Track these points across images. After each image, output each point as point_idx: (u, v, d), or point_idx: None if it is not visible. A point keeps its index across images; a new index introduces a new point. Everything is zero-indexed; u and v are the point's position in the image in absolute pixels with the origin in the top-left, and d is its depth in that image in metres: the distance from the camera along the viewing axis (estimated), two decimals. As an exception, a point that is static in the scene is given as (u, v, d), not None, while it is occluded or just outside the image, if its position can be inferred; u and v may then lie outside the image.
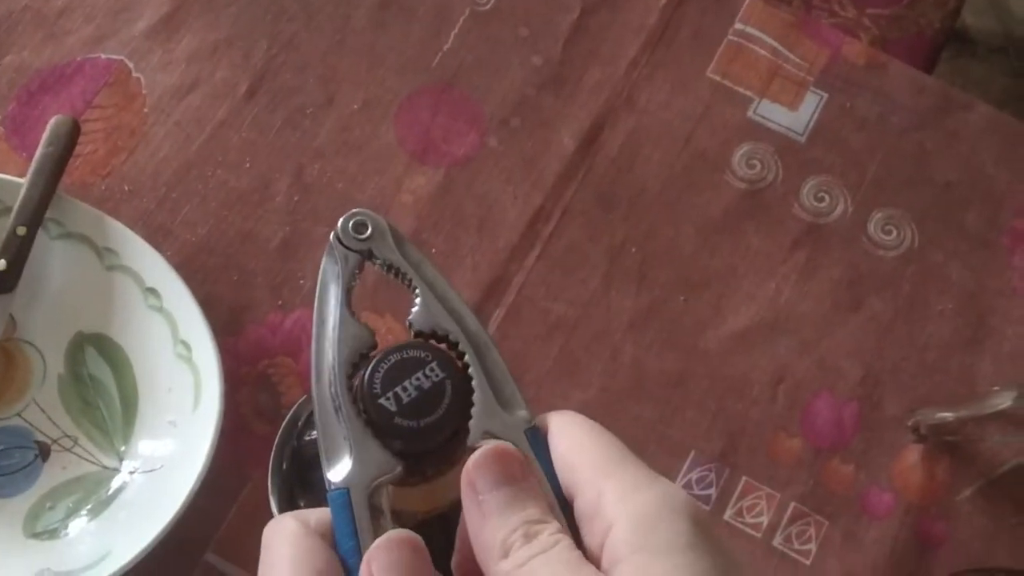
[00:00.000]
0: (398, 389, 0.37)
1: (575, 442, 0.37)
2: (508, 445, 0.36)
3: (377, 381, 0.37)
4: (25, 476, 0.63)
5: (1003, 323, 0.72)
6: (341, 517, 0.36)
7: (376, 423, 0.37)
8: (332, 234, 0.39)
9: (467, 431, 0.38)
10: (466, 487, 0.35)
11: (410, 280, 0.39)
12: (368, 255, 0.39)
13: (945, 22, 1.13)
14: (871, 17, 1.10)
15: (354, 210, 0.40)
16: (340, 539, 0.35)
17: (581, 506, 0.34)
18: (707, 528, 0.33)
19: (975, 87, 1.45)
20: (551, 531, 0.33)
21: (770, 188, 0.74)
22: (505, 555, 0.33)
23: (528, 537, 0.33)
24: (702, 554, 0.31)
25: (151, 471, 0.62)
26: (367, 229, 0.39)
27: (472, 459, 0.35)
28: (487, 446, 0.36)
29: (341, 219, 0.39)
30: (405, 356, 0.38)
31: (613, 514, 0.33)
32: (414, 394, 0.37)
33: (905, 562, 0.66)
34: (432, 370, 0.37)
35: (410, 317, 0.38)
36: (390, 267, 0.39)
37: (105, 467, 0.63)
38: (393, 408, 0.37)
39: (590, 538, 0.33)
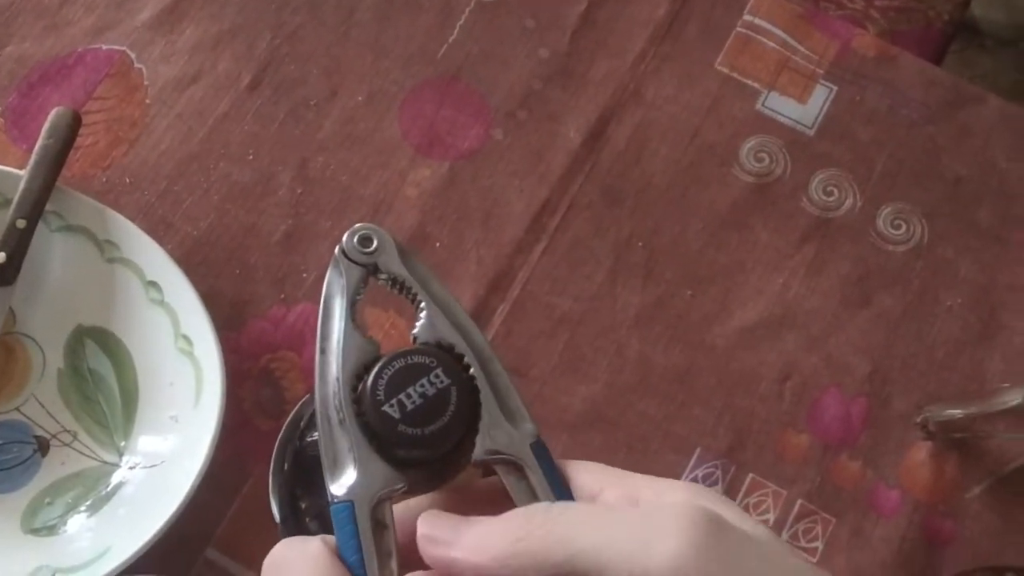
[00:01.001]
0: (402, 396, 0.36)
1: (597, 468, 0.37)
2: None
3: (381, 388, 0.36)
4: (23, 471, 0.62)
5: (1013, 319, 0.71)
6: (345, 531, 0.35)
7: (380, 432, 0.36)
8: (337, 247, 0.39)
9: (473, 442, 0.37)
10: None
11: (415, 295, 0.39)
12: (373, 269, 0.39)
13: (954, 14, 1.12)
14: (879, 9, 1.09)
15: (359, 224, 0.39)
16: (344, 553, 0.35)
17: (610, 498, 0.35)
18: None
19: (983, 80, 1.43)
20: None
21: (778, 182, 0.73)
22: None
23: None
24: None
25: (151, 467, 0.62)
26: (372, 243, 0.39)
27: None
28: None
29: (347, 233, 0.39)
30: (409, 362, 0.37)
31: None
32: (419, 401, 0.36)
33: (913, 560, 0.65)
34: (437, 376, 0.37)
35: (415, 330, 0.38)
36: (395, 281, 0.39)
37: (105, 462, 0.63)
38: (397, 415, 0.36)
39: None
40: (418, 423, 0.36)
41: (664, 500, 0.34)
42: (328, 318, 0.38)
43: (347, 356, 0.37)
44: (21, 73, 0.71)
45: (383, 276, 0.39)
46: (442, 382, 0.37)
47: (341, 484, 0.36)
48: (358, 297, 0.39)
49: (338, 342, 0.38)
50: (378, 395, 0.36)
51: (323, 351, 0.38)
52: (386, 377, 0.36)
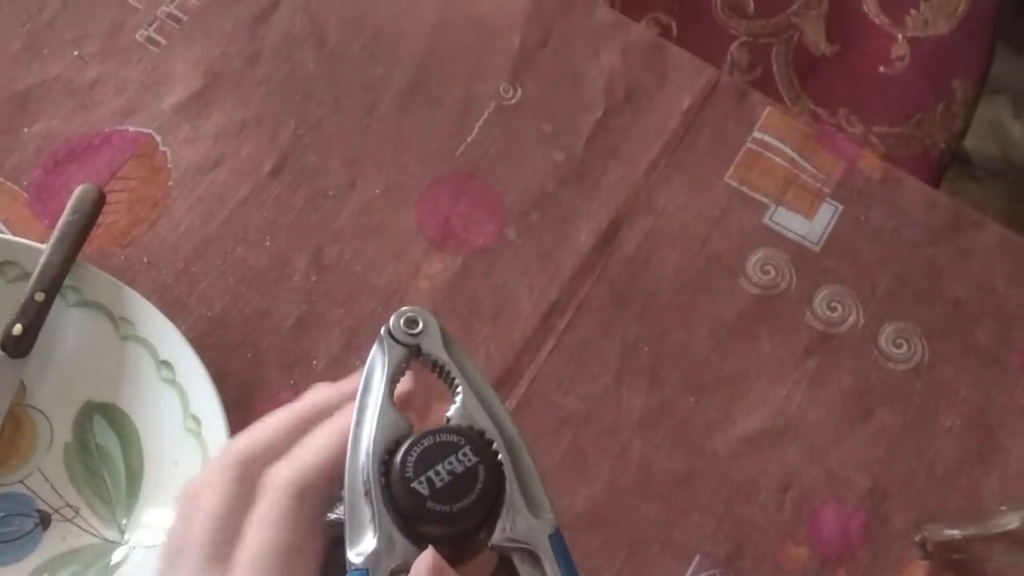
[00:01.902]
0: (431, 473, 0.37)
1: None
2: None
3: (410, 465, 0.37)
4: (23, 545, 0.62)
5: (1011, 441, 0.72)
6: None
7: (406, 507, 0.37)
8: (384, 327, 0.40)
9: (493, 526, 0.37)
10: None
11: (453, 379, 0.40)
12: (416, 351, 0.40)
13: (950, 143, 1.15)
14: (878, 135, 1.12)
15: (406, 307, 0.41)
16: None
17: None
18: None
19: (973, 209, 1.47)
20: None
21: (783, 295, 0.74)
22: None
23: None
24: None
25: (152, 547, 0.61)
26: (418, 326, 0.40)
27: None
28: None
29: (394, 314, 0.40)
30: (438, 440, 0.38)
31: None
32: (447, 478, 0.37)
33: None
34: (465, 455, 0.37)
35: (448, 413, 0.39)
36: (435, 364, 0.40)
37: (106, 540, 0.62)
38: (426, 492, 0.37)
39: None
40: (446, 500, 0.37)
41: None
42: (367, 391, 0.39)
43: (381, 430, 0.38)
44: (48, 149, 0.72)
45: (424, 358, 0.40)
46: (470, 460, 0.37)
47: (359, 552, 0.36)
48: (399, 375, 0.40)
49: (373, 415, 0.38)
50: (407, 471, 0.37)
51: (358, 423, 0.39)
52: (415, 454, 0.37)
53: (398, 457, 0.37)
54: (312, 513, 0.39)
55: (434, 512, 0.37)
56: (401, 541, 0.37)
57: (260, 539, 0.38)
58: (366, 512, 0.37)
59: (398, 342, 0.40)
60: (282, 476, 0.39)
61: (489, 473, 0.37)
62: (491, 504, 0.37)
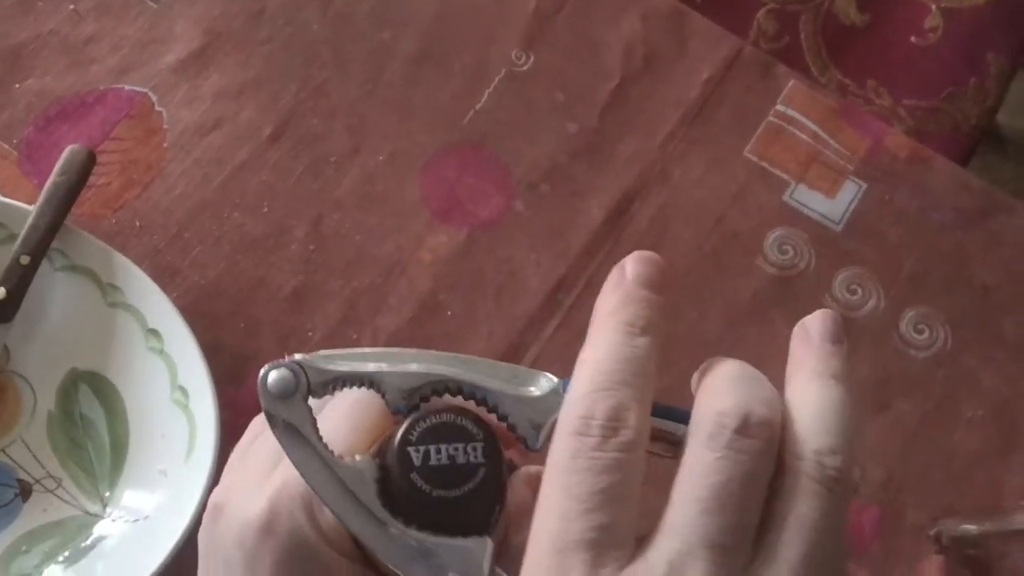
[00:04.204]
0: (431, 447, 0.35)
1: None
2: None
3: (417, 430, 0.35)
4: (2, 516, 0.60)
5: (1035, 436, 0.69)
6: None
7: (397, 472, 0.34)
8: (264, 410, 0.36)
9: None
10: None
11: (364, 377, 0.36)
12: (305, 393, 0.36)
13: (982, 119, 1.11)
14: (907, 108, 1.08)
15: (268, 371, 0.36)
16: None
17: None
18: None
19: (1003, 187, 1.43)
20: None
21: (802, 276, 0.71)
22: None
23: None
24: None
25: (135, 521, 0.59)
26: (291, 385, 0.36)
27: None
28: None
29: (260, 395, 0.35)
30: (457, 422, 0.35)
31: None
32: (445, 461, 0.35)
33: None
34: (475, 449, 0.35)
35: (387, 396, 0.36)
36: (337, 383, 0.36)
37: (87, 513, 0.60)
38: (417, 463, 0.35)
39: None
40: (430, 480, 0.35)
41: None
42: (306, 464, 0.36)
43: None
44: (39, 107, 0.70)
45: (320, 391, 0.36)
46: (476, 458, 0.35)
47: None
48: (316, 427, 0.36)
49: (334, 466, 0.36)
50: (412, 435, 0.35)
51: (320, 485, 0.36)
52: (429, 422, 0.35)
53: (408, 421, 0.35)
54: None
55: (414, 485, 0.34)
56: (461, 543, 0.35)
57: None
58: (403, 548, 0.35)
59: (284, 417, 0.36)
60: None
61: (486, 485, 0.35)
62: (471, 518, 0.35)
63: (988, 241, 0.73)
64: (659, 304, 0.34)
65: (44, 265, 0.62)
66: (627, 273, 0.35)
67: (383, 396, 0.35)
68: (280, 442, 0.35)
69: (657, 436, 0.34)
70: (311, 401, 0.35)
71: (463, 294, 0.69)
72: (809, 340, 0.35)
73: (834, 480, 0.31)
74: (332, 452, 0.35)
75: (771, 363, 0.69)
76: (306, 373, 0.35)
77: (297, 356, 0.36)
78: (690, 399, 0.68)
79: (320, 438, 0.35)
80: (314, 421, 0.35)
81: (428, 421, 0.35)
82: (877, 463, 0.67)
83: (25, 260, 0.61)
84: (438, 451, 0.35)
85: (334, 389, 0.36)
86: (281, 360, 0.35)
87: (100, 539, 0.59)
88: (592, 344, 0.34)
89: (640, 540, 0.31)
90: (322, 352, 0.36)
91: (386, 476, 0.35)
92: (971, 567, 0.66)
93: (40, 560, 0.59)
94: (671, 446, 0.34)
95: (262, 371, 0.35)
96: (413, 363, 0.36)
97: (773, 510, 0.31)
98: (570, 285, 0.70)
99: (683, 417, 0.34)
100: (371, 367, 0.36)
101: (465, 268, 0.70)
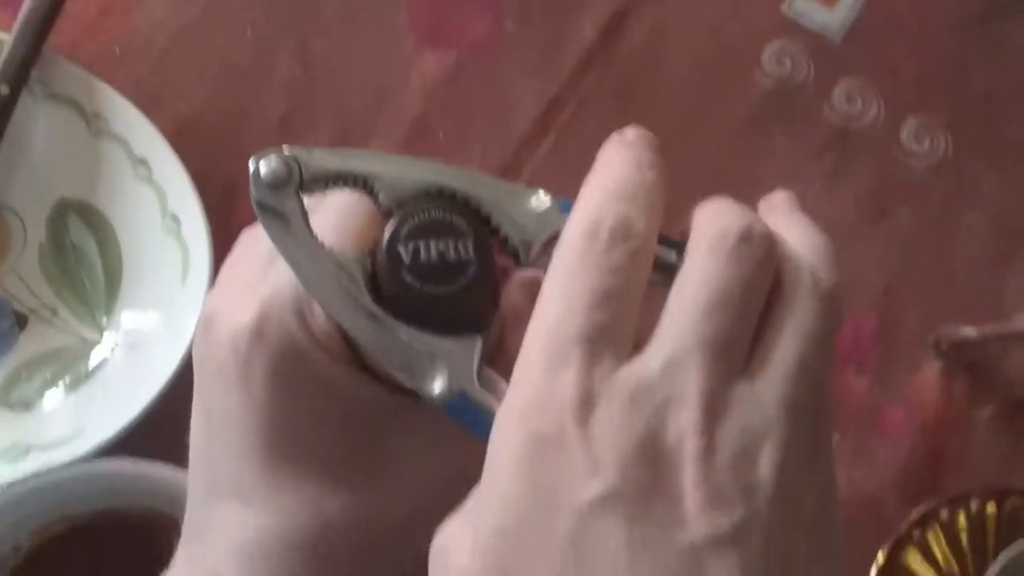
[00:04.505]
0: (420, 242, 0.34)
1: None
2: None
3: (406, 227, 0.34)
4: (0, 345, 0.60)
5: (1036, 241, 0.68)
6: (470, 418, 0.34)
7: (386, 270, 0.34)
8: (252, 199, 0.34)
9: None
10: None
11: (358, 176, 0.35)
12: (299, 184, 0.35)
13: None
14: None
15: (259, 159, 0.34)
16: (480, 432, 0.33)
17: None
18: None
19: None
20: None
21: (800, 88, 0.70)
22: None
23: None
24: None
25: (133, 347, 0.59)
26: (283, 175, 0.35)
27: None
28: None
29: (252, 182, 0.34)
30: (444, 218, 0.34)
31: None
32: (435, 258, 0.34)
33: (915, 480, 0.63)
34: (465, 246, 0.34)
35: (379, 198, 0.35)
36: (330, 180, 0.35)
37: (85, 339, 0.60)
38: (407, 261, 0.34)
39: None
40: (420, 276, 0.34)
41: None
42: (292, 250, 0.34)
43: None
44: (11, -66, 0.68)
45: (315, 182, 0.35)
46: (465, 254, 0.34)
47: (436, 384, 0.34)
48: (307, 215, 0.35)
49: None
50: (402, 231, 0.34)
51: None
52: (417, 219, 0.34)
53: (397, 217, 0.34)
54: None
55: (404, 282, 0.34)
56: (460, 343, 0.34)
57: None
58: (400, 344, 0.34)
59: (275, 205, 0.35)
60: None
61: (477, 282, 0.34)
62: (460, 313, 0.34)
63: (991, 46, 0.71)
64: (662, 161, 0.35)
65: (26, 97, 0.61)
66: (628, 135, 0.36)
67: (376, 198, 0.35)
68: (269, 233, 0.34)
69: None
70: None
71: (454, 116, 0.68)
72: (776, 206, 0.37)
73: (830, 295, 0.32)
74: (323, 245, 0.34)
75: (767, 180, 0.68)
76: (300, 165, 0.34)
77: (288, 148, 0.35)
78: (684, 217, 0.67)
79: (311, 231, 0.34)
80: (306, 214, 0.34)
81: (417, 218, 0.34)
82: (876, 272, 0.67)
83: (4, 90, 0.60)
84: (427, 247, 0.34)
85: (327, 186, 0.35)
86: (274, 149, 0.34)
87: (99, 365, 0.60)
88: (599, 170, 0.35)
89: (637, 344, 0.31)
90: (316, 149, 0.35)
91: (376, 274, 0.34)
92: (970, 370, 0.66)
93: (41, 386, 0.59)
94: (664, 275, 0.33)
95: (252, 159, 0.34)
96: (409, 167, 0.35)
97: (770, 319, 0.32)
98: (563, 104, 0.68)
99: (677, 246, 0.33)
100: (367, 167, 0.35)
101: (455, 91, 0.68)
